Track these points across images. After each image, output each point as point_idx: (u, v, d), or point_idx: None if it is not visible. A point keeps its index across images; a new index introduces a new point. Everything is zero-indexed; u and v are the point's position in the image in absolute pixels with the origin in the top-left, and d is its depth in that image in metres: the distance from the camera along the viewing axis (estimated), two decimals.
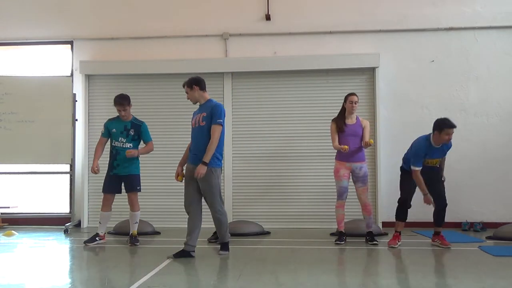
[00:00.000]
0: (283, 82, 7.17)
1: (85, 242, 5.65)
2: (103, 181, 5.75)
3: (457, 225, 6.73)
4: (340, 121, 5.75)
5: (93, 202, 7.16)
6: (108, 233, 6.32)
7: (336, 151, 5.79)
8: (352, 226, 6.18)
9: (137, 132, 5.72)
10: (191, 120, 5.01)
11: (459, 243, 5.58)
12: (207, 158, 4.66)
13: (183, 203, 4.92)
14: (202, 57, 7.21)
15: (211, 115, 4.74)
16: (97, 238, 5.69)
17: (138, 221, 5.76)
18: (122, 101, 5.61)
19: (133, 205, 5.71)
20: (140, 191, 5.79)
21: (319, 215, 6.94)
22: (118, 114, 5.72)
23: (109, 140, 5.77)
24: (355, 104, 5.73)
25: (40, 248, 5.58)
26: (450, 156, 6.89)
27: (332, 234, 6.25)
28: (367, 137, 5.68)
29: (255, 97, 7.11)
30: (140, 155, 5.77)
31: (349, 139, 5.65)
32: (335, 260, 4.77)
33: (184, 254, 4.78)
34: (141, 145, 5.86)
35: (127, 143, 5.68)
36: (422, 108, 7.03)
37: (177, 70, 7.16)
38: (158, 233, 6.46)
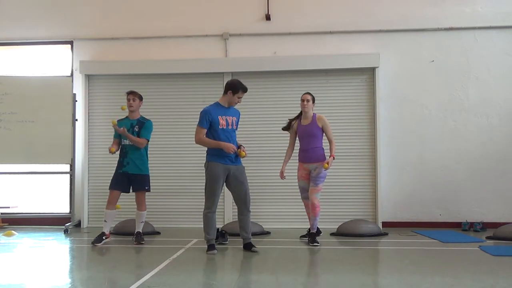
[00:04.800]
0: (283, 82, 7.17)
1: (93, 242, 5.58)
2: (110, 179, 5.70)
3: (457, 225, 6.74)
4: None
5: (93, 202, 7.17)
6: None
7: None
8: (352, 226, 6.18)
9: (141, 128, 5.74)
10: (211, 118, 5.03)
11: (459, 243, 5.57)
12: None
13: (213, 201, 5.02)
14: (202, 57, 7.22)
15: (238, 121, 5.35)
16: (103, 238, 5.64)
17: (144, 221, 5.78)
18: (134, 92, 5.83)
19: (140, 204, 5.71)
20: (149, 191, 5.78)
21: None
22: (125, 116, 5.79)
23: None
24: (307, 102, 5.66)
25: (40, 248, 5.58)
26: (450, 156, 6.94)
27: (332, 234, 6.26)
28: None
29: (255, 97, 7.09)
30: (128, 138, 5.62)
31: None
32: (335, 260, 4.77)
33: (213, 248, 5.07)
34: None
35: None
36: (422, 108, 7.03)
37: (177, 70, 7.18)
38: (158, 233, 6.45)
